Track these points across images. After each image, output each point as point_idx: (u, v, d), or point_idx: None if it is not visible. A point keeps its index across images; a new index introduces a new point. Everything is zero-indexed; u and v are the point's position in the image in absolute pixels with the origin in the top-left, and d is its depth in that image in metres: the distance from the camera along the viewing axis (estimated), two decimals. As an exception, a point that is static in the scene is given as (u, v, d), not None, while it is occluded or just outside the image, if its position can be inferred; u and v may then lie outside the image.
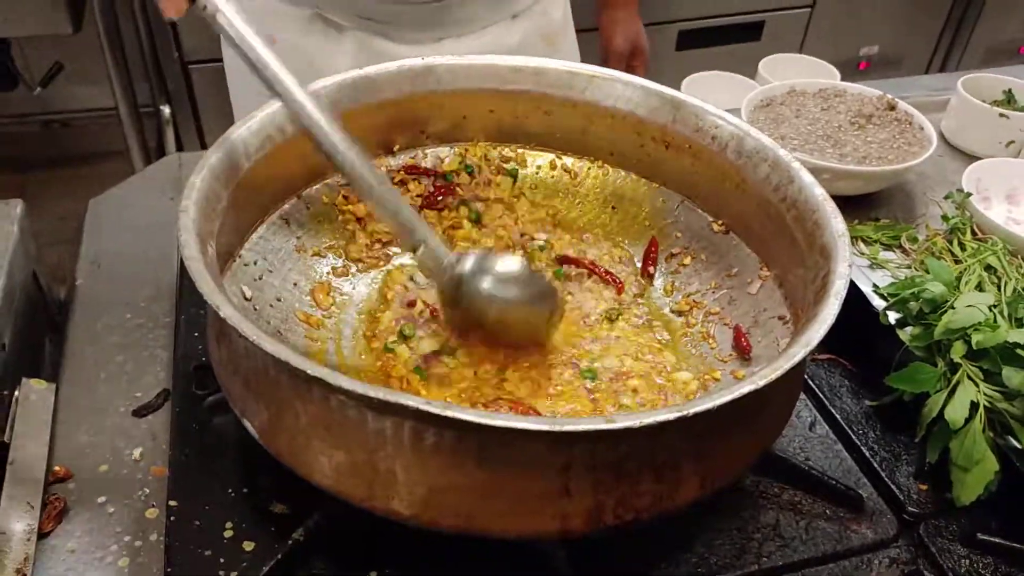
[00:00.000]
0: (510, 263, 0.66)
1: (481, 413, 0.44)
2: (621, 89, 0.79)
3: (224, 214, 0.64)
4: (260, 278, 0.70)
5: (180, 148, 2.19)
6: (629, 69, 1.23)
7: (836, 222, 0.62)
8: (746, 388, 0.47)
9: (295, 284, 0.73)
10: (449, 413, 0.44)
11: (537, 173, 0.85)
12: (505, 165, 0.84)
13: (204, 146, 2.18)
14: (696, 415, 0.45)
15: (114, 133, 2.27)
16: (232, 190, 0.65)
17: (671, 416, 0.45)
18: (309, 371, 0.45)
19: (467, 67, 0.81)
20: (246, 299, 0.68)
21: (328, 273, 0.75)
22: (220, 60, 2.09)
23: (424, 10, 1.02)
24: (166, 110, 2.14)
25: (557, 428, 0.44)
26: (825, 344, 0.69)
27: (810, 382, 0.75)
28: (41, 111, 2.54)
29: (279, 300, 0.70)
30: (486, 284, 0.64)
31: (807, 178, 0.67)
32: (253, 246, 0.71)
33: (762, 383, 0.48)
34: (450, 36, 1.06)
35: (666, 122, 0.78)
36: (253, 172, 0.68)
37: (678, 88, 0.77)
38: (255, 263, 0.70)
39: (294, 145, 0.72)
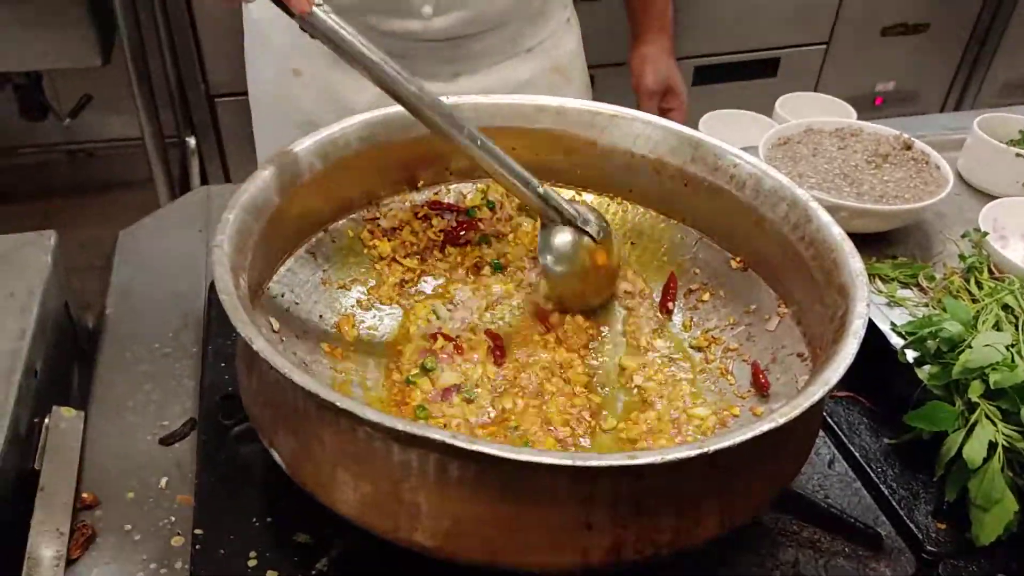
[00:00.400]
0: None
1: (506, 447, 0.45)
2: (641, 128, 0.81)
3: (255, 248, 0.66)
4: (287, 310, 0.72)
5: (204, 178, 2.23)
6: (662, 111, 1.22)
7: (854, 261, 0.63)
8: (766, 426, 0.48)
9: (321, 316, 0.74)
10: (475, 447, 0.45)
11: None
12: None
13: (228, 176, 2.22)
14: (717, 452, 0.46)
15: (139, 163, 2.32)
16: (263, 225, 0.67)
17: (692, 453, 0.46)
18: (338, 403, 0.47)
19: (492, 106, 0.83)
20: (273, 331, 0.69)
21: (353, 306, 0.77)
22: (245, 94, 2.13)
23: (441, 46, 1.05)
24: (191, 141, 2.18)
25: (580, 463, 0.45)
26: (844, 382, 0.70)
27: (829, 419, 0.76)
28: (68, 141, 2.60)
29: (305, 332, 0.72)
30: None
31: (825, 217, 0.68)
32: (281, 279, 0.73)
33: (782, 421, 0.49)
34: (465, 72, 1.08)
35: (685, 161, 0.79)
36: (283, 207, 0.70)
37: (695, 125, 0.79)
38: (282, 295, 0.72)
39: (323, 179, 0.75)
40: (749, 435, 0.47)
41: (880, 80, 2.49)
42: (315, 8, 0.65)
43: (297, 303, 0.73)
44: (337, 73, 1.09)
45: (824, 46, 2.37)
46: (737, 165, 0.76)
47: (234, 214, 0.63)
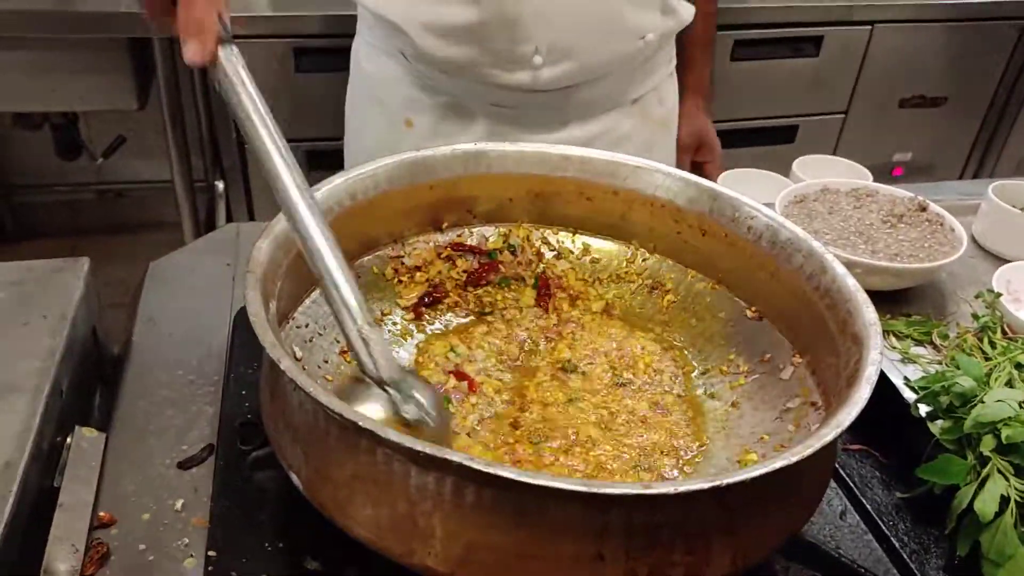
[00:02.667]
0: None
1: (522, 472, 0.46)
2: (662, 179, 0.84)
3: (283, 278, 0.68)
4: (310, 340, 0.74)
5: (230, 220, 2.27)
6: (696, 165, 1.28)
7: (868, 311, 0.64)
8: (779, 463, 0.49)
9: (342, 349, 0.76)
10: (491, 470, 0.46)
11: (575, 256, 0.89)
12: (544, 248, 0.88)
13: (253, 219, 2.27)
14: (730, 486, 0.47)
15: (167, 205, 2.38)
16: (292, 257, 0.69)
17: (705, 485, 0.47)
18: (360, 423, 0.48)
19: (517, 153, 0.85)
20: (296, 359, 0.71)
21: (373, 340, 0.78)
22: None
23: (549, 97, 1.09)
24: (220, 185, 2.23)
25: (595, 490, 0.46)
26: (857, 435, 0.71)
27: (841, 471, 0.76)
28: (99, 181, 2.67)
29: (326, 362, 0.73)
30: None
31: (840, 269, 0.70)
32: (306, 310, 0.74)
33: (794, 459, 0.49)
34: (572, 120, 1.13)
35: (703, 211, 0.81)
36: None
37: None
38: (306, 326, 0.74)
39: (350, 218, 0.77)
40: (762, 471, 0.48)
41: (898, 151, 2.53)
42: (221, 60, 0.60)
43: (320, 334, 0.75)
44: (447, 125, 1.13)
45: (842, 115, 2.42)
46: (754, 217, 0.78)
47: (266, 243, 0.65)
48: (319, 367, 0.72)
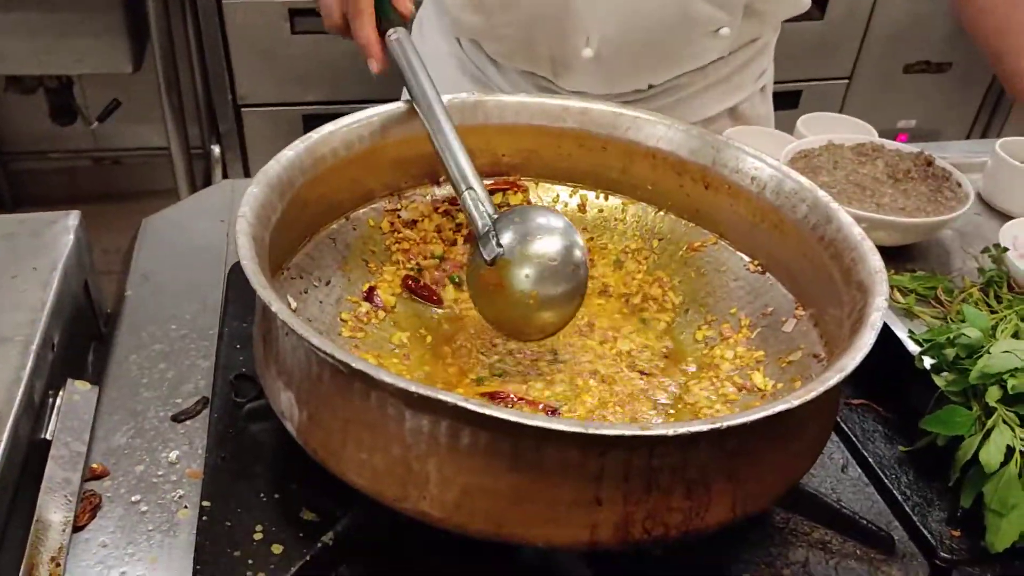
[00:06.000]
0: (550, 248, 0.68)
1: (517, 412, 0.45)
2: (664, 130, 0.82)
3: (277, 226, 0.66)
4: (305, 291, 0.72)
5: (226, 187, 2.25)
6: None
7: (874, 258, 0.63)
8: (779, 407, 0.48)
9: (337, 300, 0.74)
10: (486, 411, 0.45)
11: (568, 208, 0.87)
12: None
13: (249, 185, 2.25)
14: (729, 428, 0.46)
15: (164, 172, 2.36)
16: (286, 204, 0.68)
17: (704, 427, 0.46)
18: (353, 364, 0.47)
19: (517, 104, 0.84)
20: (291, 309, 0.70)
21: (371, 289, 0.77)
22: (271, 104, 2.17)
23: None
24: (216, 150, 2.21)
25: (591, 431, 0.45)
26: (859, 389, 0.70)
27: (843, 425, 0.75)
28: (94, 147, 2.64)
29: (322, 313, 0.72)
30: (521, 277, 0.68)
31: (845, 218, 0.68)
32: (300, 261, 0.73)
33: (796, 403, 0.48)
34: None
35: (707, 163, 0.79)
36: (306, 189, 0.71)
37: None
38: (300, 277, 0.73)
39: (346, 167, 0.76)
40: (762, 414, 0.47)
41: (902, 117, 2.50)
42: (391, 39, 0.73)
43: (315, 286, 0.74)
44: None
45: (846, 81, 2.39)
46: (758, 167, 0.76)
47: (259, 188, 0.64)
48: (312, 320, 0.71)
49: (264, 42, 2.04)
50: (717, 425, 0.46)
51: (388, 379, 0.46)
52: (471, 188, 0.69)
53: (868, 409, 0.77)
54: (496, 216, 0.69)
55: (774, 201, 0.74)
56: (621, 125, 0.83)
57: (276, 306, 0.51)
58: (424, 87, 0.72)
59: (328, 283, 0.75)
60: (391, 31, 0.74)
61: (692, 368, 0.74)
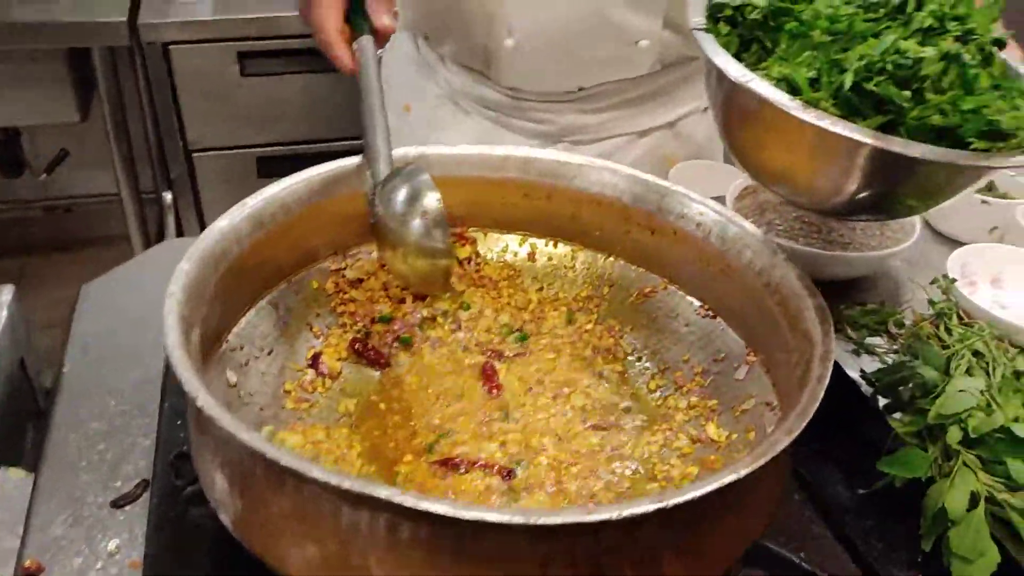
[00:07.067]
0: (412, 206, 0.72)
1: (455, 504, 0.43)
2: (609, 177, 0.81)
3: (213, 299, 0.64)
4: (246, 363, 0.70)
5: (181, 233, 2.22)
6: None
7: (818, 305, 0.62)
8: (727, 478, 0.47)
9: (281, 369, 0.72)
10: (422, 506, 0.43)
11: (518, 258, 0.86)
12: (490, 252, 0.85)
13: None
14: (676, 507, 0.45)
15: (116, 218, 2.31)
16: (222, 275, 0.66)
17: (650, 508, 0.44)
18: (282, 461, 0.45)
19: (458, 156, 0.82)
20: (231, 385, 0.68)
21: (317, 358, 0.75)
22: (223, 148, 2.14)
23: (542, 106, 1.04)
24: (168, 196, 2.17)
25: (533, 521, 0.43)
26: (815, 432, 0.68)
27: (800, 470, 0.74)
28: (45, 197, 2.59)
29: (264, 385, 0.70)
30: (398, 233, 0.72)
31: (789, 264, 0.68)
32: (241, 331, 0.71)
33: (744, 472, 0.47)
34: (569, 137, 1.08)
35: (652, 209, 0.79)
36: (244, 257, 0.69)
37: (666, 176, 0.79)
38: (241, 348, 0.70)
39: (287, 230, 0.74)
40: (710, 488, 0.46)
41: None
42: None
43: (257, 356, 0.71)
44: (442, 116, 1.10)
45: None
46: (703, 213, 0.76)
47: (191, 264, 0.62)
48: (253, 394, 0.68)
49: (213, 86, 2.01)
50: (663, 504, 0.44)
51: (320, 476, 0.44)
52: (372, 159, 0.73)
53: (824, 452, 0.76)
54: (379, 181, 0.72)
55: (719, 247, 0.74)
56: (565, 174, 0.82)
57: (202, 400, 0.49)
58: (370, 82, 0.74)
59: (270, 352, 0.72)
60: (357, 39, 0.76)
61: (646, 420, 0.73)
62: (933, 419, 0.65)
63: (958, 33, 0.57)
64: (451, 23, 1.00)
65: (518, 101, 1.04)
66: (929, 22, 0.56)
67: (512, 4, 0.95)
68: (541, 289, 0.85)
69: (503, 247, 0.87)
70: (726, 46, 0.61)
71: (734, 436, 0.68)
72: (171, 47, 1.93)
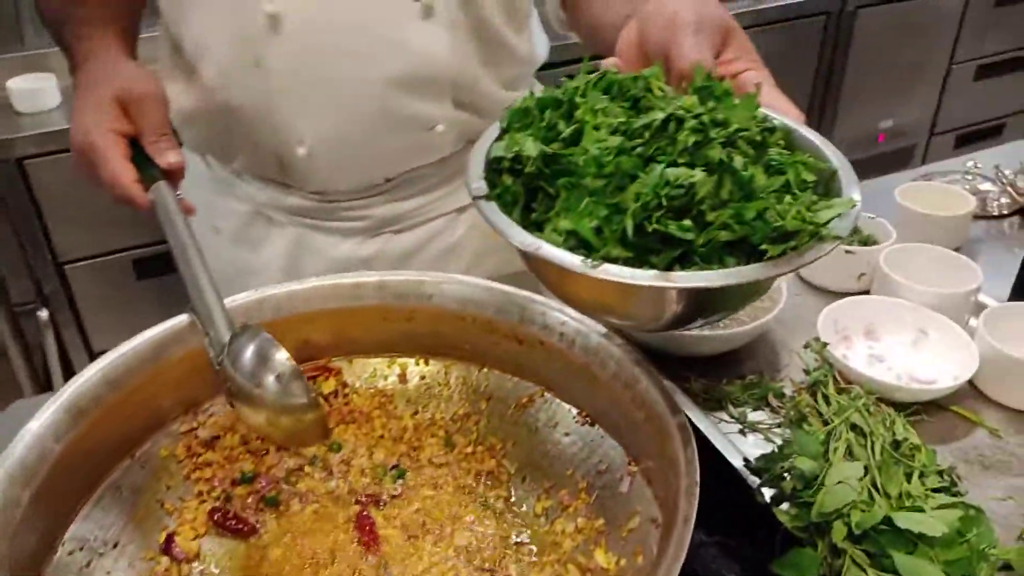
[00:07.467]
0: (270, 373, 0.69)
1: None
2: (469, 291, 0.78)
3: (30, 515, 0.58)
4: (88, 565, 0.64)
5: (62, 347, 2.09)
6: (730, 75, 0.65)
7: (681, 427, 0.60)
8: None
9: (130, 563, 0.66)
10: None
11: (388, 381, 0.82)
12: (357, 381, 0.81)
13: (88, 344, 2.09)
14: None
15: (-8, 337, 2.17)
16: (41, 481, 0.60)
17: None
18: None
19: (307, 291, 0.78)
20: (70, 597, 0.61)
21: (175, 535, 0.69)
22: (95, 256, 2.04)
23: (354, 205, 1.00)
24: (43, 314, 2.05)
25: None
26: (708, 525, 0.66)
27: (699, 572, 0.72)
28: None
29: (111, 588, 0.64)
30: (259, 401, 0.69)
31: (652, 377, 0.66)
32: (78, 529, 0.64)
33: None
34: (390, 228, 1.04)
35: (515, 320, 0.76)
36: (67, 452, 0.63)
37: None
38: (81, 549, 0.64)
39: (119, 406, 0.68)
40: None
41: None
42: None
43: (101, 553, 0.65)
44: (254, 231, 1.05)
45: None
46: (564, 322, 0.73)
47: (-6, 485, 0.56)
48: (99, 601, 0.62)
49: (76, 195, 1.92)
50: None
51: None
52: (209, 324, 0.70)
53: (722, 547, 0.74)
54: (223, 353, 0.69)
55: (584, 357, 0.72)
56: (423, 292, 0.79)
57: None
58: (180, 237, 0.72)
59: (116, 545, 0.66)
60: (153, 187, 0.75)
61: (535, 552, 0.69)
62: (817, 517, 0.63)
63: (724, 139, 0.54)
64: (236, 141, 0.96)
65: (327, 203, 1.00)
66: (693, 139, 0.53)
67: (297, 115, 0.92)
68: (416, 413, 0.81)
69: (371, 372, 0.82)
70: (513, 197, 0.58)
71: (622, 562, 0.65)
72: (26, 163, 1.83)
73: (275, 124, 0.92)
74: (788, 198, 0.53)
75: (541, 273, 0.59)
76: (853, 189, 0.56)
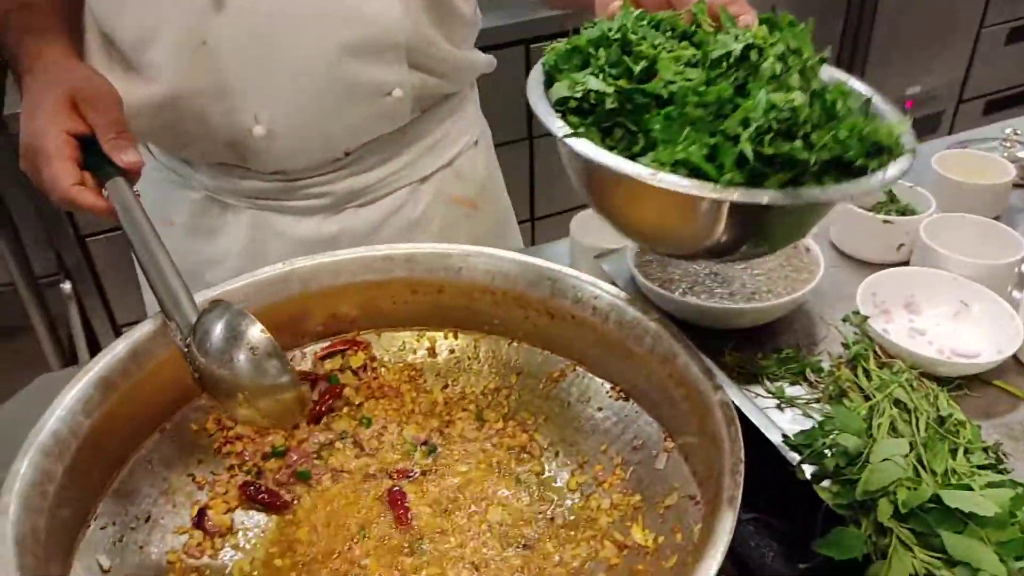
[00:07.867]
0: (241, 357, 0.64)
1: None
2: (498, 265, 0.77)
3: (64, 487, 0.58)
4: (121, 539, 0.63)
5: (86, 320, 2.10)
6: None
7: (723, 405, 0.59)
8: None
9: (163, 537, 0.66)
10: None
11: (418, 355, 0.81)
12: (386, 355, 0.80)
13: (112, 316, 2.10)
14: None
15: (16, 309, 2.18)
16: (73, 456, 0.59)
17: None
18: None
19: (333, 264, 0.77)
20: (104, 572, 0.61)
21: (207, 509, 0.68)
22: (117, 229, 2.02)
23: (313, 182, 0.98)
24: (67, 287, 2.06)
25: None
26: (749, 503, 0.64)
27: (736, 548, 0.70)
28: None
29: (145, 559, 0.63)
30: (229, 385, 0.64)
31: (691, 352, 0.64)
32: (109, 503, 0.64)
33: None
34: (349, 205, 1.01)
35: (546, 295, 0.75)
36: (97, 426, 0.62)
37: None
38: (113, 523, 0.63)
39: (147, 382, 0.67)
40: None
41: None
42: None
43: (133, 527, 0.65)
44: (208, 219, 1.02)
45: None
46: (597, 296, 0.72)
47: (27, 461, 0.55)
48: (129, 574, 0.62)
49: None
50: None
51: None
52: (173, 307, 0.66)
53: (762, 524, 0.72)
54: (188, 341, 0.64)
55: (618, 332, 0.70)
56: (452, 266, 0.77)
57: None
58: (138, 225, 0.69)
59: (148, 519, 0.66)
60: (110, 182, 0.70)
61: (570, 527, 0.68)
62: (861, 495, 0.62)
63: (801, 68, 0.57)
64: (188, 129, 0.92)
65: (287, 183, 0.97)
66: (778, 67, 0.56)
67: (250, 94, 0.88)
68: (446, 387, 0.80)
69: (400, 346, 0.81)
70: (590, 139, 0.57)
71: (661, 539, 0.64)
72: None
73: (228, 106, 0.89)
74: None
75: (637, 205, 0.61)
76: (893, 115, 0.61)
